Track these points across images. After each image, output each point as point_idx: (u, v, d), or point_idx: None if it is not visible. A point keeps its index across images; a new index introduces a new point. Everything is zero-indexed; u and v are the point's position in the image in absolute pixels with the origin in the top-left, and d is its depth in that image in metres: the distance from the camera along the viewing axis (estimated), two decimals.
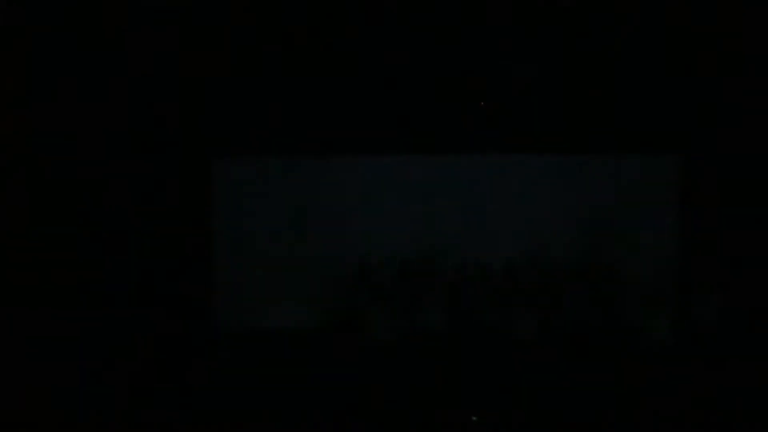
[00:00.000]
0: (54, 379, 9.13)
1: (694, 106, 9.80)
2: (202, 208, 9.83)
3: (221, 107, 9.79)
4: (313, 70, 9.79)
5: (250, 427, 8.86)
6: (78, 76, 9.56)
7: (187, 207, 9.72)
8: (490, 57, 9.77)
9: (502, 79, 9.78)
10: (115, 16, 9.51)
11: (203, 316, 9.72)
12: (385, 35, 9.71)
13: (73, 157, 9.57)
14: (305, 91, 9.83)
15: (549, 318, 9.81)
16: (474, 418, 9.38)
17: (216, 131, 9.82)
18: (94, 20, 9.50)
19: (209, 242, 9.89)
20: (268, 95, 9.82)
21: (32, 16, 9.43)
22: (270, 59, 9.76)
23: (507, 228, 10.02)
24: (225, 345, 9.68)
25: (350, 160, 10.02)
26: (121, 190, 9.62)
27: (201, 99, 9.75)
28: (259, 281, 9.92)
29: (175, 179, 9.70)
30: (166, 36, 9.64)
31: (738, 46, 9.67)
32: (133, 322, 9.53)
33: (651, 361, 9.53)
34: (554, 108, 9.84)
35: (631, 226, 9.96)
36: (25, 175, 9.47)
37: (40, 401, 8.85)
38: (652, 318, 9.73)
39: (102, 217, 9.56)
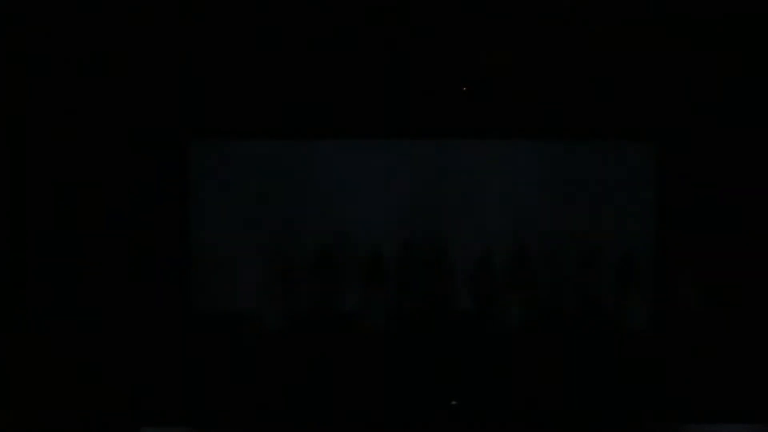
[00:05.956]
0: None
1: (671, 94, 9.83)
2: (178, 192, 9.81)
3: (198, 88, 9.76)
4: (291, 51, 9.77)
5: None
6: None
7: (163, 190, 9.70)
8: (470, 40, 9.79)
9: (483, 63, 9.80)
10: None
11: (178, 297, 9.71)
12: (365, 14, 9.71)
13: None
14: (283, 73, 9.81)
15: (530, 304, 9.84)
16: (453, 402, 9.47)
17: (193, 113, 9.79)
18: None
19: (185, 227, 9.88)
20: (246, 76, 9.80)
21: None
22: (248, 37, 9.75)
23: (486, 214, 10.04)
24: (199, 326, 9.69)
25: (329, 144, 10.01)
26: (97, 174, 9.60)
27: (177, 80, 9.72)
28: (235, 265, 9.93)
29: (151, 162, 9.67)
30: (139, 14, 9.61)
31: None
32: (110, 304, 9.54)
33: (629, 343, 9.64)
34: (532, 93, 9.86)
35: (608, 212, 10.00)
36: None
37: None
38: (630, 302, 9.82)
39: (78, 201, 9.56)
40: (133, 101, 9.62)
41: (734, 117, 9.74)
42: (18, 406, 9.08)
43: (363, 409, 9.40)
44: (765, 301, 9.55)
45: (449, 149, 10.03)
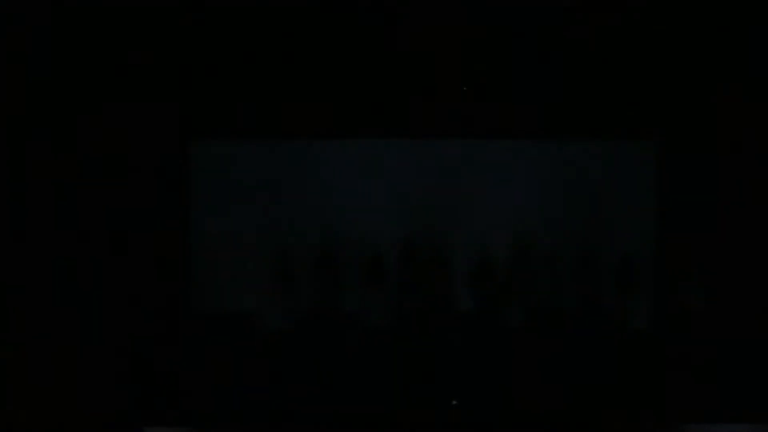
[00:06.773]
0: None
1: (670, 92, 9.83)
2: (179, 191, 9.81)
3: (198, 88, 9.76)
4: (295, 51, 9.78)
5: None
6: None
7: (163, 190, 9.70)
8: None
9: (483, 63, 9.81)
10: None
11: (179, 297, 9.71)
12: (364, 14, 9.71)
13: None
14: (283, 73, 9.81)
15: (530, 304, 9.83)
16: (454, 402, 9.48)
17: (193, 113, 9.78)
18: None
19: (186, 226, 9.88)
20: (247, 76, 9.80)
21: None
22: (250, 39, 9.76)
23: (483, 214, 10.04)
24: (199, 326, 9.69)
25: (329, 145, 10.01)
26: (96, 174, 9.61)
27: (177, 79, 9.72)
28: (235, 265, 9.92)
29: (151, 160, 9.67)
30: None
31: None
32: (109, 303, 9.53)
33: (629, 343, 9.65)
34: (530, 92, 9.85)
35: (608, 212, 9.99)
36: None
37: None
38: (630, 302, 9.82)
39: (78, 200, 9.56)
40: (133, 102, 9.62)
41: (734, 116, 9.76)
42: (20, 407, 9.08)
43: (364, 408, 9.41)
44: (765, 301, 9.55)
45: (449, 149, 10.04)
